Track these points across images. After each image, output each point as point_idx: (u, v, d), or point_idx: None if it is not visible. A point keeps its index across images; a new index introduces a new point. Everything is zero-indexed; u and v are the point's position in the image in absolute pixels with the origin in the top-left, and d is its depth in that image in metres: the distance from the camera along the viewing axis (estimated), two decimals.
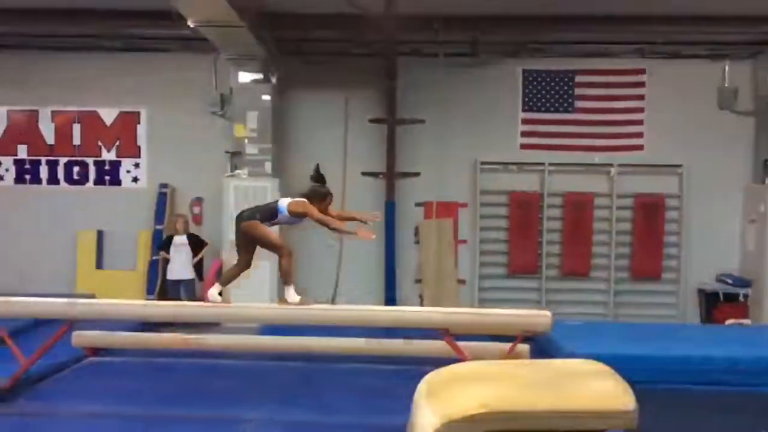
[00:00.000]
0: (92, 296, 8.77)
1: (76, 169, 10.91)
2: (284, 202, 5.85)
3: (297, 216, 5.80)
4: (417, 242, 10.37)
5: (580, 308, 10.24)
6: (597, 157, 10.52)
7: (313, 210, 5.73)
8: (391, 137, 10.44)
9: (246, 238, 5.90)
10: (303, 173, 10.51)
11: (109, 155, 10.90)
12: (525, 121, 10.64)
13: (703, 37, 9.97)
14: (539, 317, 6.06)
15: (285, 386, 6.39)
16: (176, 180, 10.75)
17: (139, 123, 10.87)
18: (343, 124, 10.58)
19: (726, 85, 10.40)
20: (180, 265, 9.58)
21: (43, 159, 10.92)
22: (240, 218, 5.93)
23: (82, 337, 6.99)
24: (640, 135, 10.56)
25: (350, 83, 10.44)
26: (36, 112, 10.90)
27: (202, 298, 8.62)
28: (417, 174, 10.64)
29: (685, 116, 10.41)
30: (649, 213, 10.42)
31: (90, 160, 10.91)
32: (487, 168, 10.58)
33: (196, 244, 9.74)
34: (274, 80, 10.10)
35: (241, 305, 6.41)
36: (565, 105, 10.58)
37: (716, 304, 9.74)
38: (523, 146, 10.64)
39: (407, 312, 6.53)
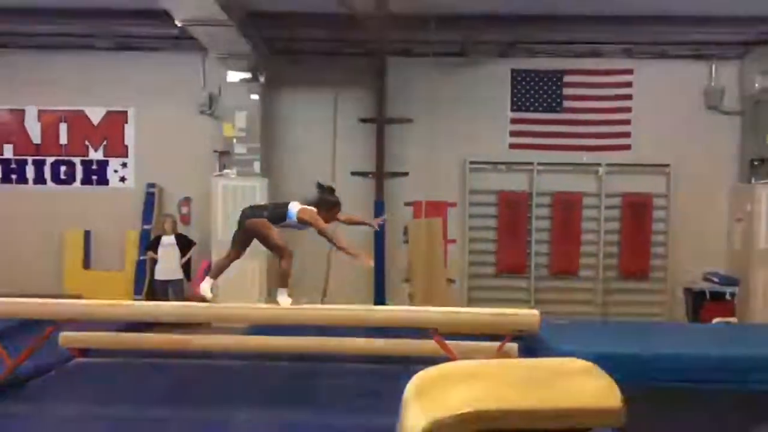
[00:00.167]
0: (79, 297, 8.71)
1: (62, 168, 10.84)
2: (294, 208, 5.76)
3: (304, 223, 5.77)
4: (406, 242, 10.37)
5: (569, 307, 10.28)
6: (585, 157, 10.58)
7: (321, 223, 5.68)
8: (381, 137, 10.46)
9: (247, 235, 5.86)
10: (292, 173, 10.63)
11: (96, 155, 10.83)
12: (514, 121, 10.68)
13: (690, 38, 10.06)
14: (527, 316, 6.07)
15: (274, 387, 6.37)
16: (164, 180, 10.70)
17: (126, 122, 10.81)
18: (332, 123, 10.58)
19: (713, 85, 10.50)
20: (168, 265, 9.54)
21: (30, 159, 10.84)
22: (246, 214, 5.86)
23: (69, 338, 6.95)
24: (627, 135, 10.62)
25: (339, 82, 10.44)
26: (22, 111, 10.82)
27: (191, 298, 8.58)
28: (406, 173, 10.66)
29: (672, 116, 10.49)
30: (637, 212, 10.49)
31: (77, 160, 10.84)
32: (476, 167, 10.61)
33: (184, 244, 9.70)
34: (262, 79, 10.08)
35: (230, 305, 6.38)
36: (554, 105, 10.63)
37: (703, 302, 9.81)
38: (512, 146, 10.68)
39: (396, 311, 6.52)
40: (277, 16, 9.51)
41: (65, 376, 6.70)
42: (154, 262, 9.68)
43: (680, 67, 10.48)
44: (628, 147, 10.62)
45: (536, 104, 10.64)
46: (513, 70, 10.62)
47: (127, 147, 10.83)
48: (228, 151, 10.05)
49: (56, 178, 10.84)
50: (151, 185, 10.66)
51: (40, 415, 5.48)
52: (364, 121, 10.55)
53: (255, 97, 10.04)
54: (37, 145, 10.83)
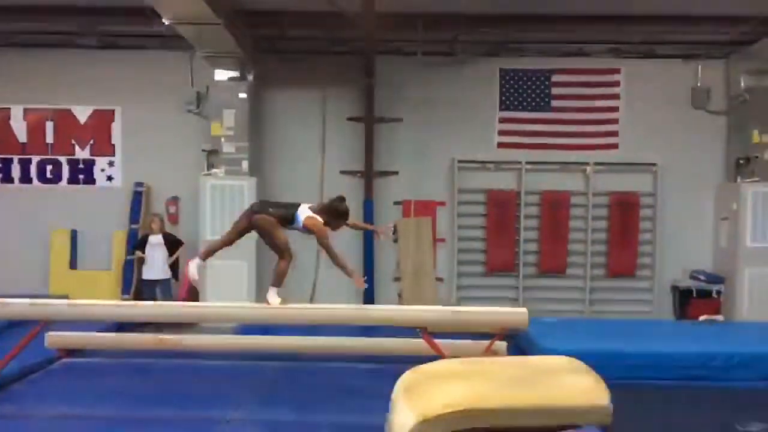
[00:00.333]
0: (66, 297, 8.64)
1: (49, 167, 10.74)
2: (302, 214, 5.77)
3: (308, 231, 5.79)
4: (395, 241, 10.37)
5: (557, 305, 10.33)
6: (573, 156, 10.63)
7: (324, 234, 5.72)
8: (369, 136, 10.45)
9: (251, 229, 5.89)
10: (280, 172, 10.60)
11: (83, 154, 10.75)
12: (502, 120, 10.71)
13: (677, 38, 10.12)
14: (515, 315, 6.10)
15: (263, 386, 6.36)
16: (152, 179, 10.64)
17: (113, 121, 10.73)
18: (321, 122, 10.55)
19: (699, 84, 10.57)
20: (155, 265, 9.48)
21: (15, 158, 10.73)
22: (256, 209, 5.86)
23: (55, 338, 6.90)
24: (615, 134, 10.68)
25: (328, 81, 10.42)
26: (8, 109, 10.70)
27: (179, 298, 8.54)
28: (395, 173, 10.66)
29: (659, 115, 10.56)
30: (624, 211, 10.54)
31: (63, 159, 10.75)
32: (465, 167, 10.62)
33: (172, 243, 9.65)
34: (250, 78, 10.04)
35: (218, 305, 6.36)
36: (542, 104, 10.67)
37: (689, 300, 9.89)
38: (501, 145, 10.71)
39: (386, 310, 6.52)
40: (265, 15, 9.47)
41: (51, 376, 6.65)
42: (142, 261, 9.63)
43: (667, 66, 10.55)
44: (615, 146, 10.67)
45: (524, 103, 10.68)
46: (501, 70, 10.64)
47: (114, 146, 10.75)
48: (216, 150, 10.00)
49: (42, 178, 10.75)
50: (139, 184, 10.59)
51: (26, 416, 5.44)
52: (352, 120, 10.54)
53: (243, 95, 10.00)
54: (23, 144, 10.73)
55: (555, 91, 10.64)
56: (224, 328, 7.71)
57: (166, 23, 8.20)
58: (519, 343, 7.15)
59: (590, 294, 10.61)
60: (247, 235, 6.04)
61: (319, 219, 5.75)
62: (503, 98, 10.68)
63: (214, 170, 10.00)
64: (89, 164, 10.76)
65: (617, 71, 10.64)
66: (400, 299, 10.06)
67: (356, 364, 6.94)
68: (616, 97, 10.65)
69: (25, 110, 10.70)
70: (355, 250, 10.19)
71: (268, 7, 9.31)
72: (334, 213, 5.87)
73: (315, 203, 6.12)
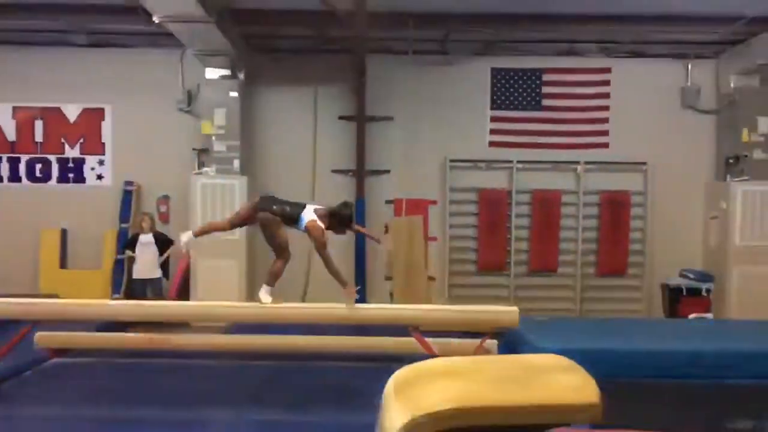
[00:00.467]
0: (56, 296, 8.60)
1: (38, 166, 10.68)
2: (307, 217, 5.78)
3: (308, 234, 5.81)
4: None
5: (548, 304, 10.36)
6: (564, 155, 10.66)
7: (323, 241, 5.75)
8: (361, 134, 10.44)
9: (246, 221, 5.93)
10: (272, 171, 10.58)
11: (72, 152, 10.69)
12: (494, 119, 10.72)
13: (668, 37, 10.17)
14: (505, 313, 6.11)
15: (254, 385, 6.35)
16: (142, 177, 10.59)
17: (103, 119, 10.68)
18: (312, 121, 10.54)
19: (689, 84, 10.63)
20: (146, 264, 9.43)
21: (4, 156, 10.66)
22: (263, 206, 5.85)
23: (45, 338, 6.85)
24: (605, 133, 10.72)
25: (319, 80, 10.41)
26: None
27: (169, 297, 8.52)
28: (387, 171, 10.67)
29: (649, 114, 10.61)
30: (615, 210, 10.59)
31: (53, 158, 10.68)
32: (457, 165, 10.64)
33: (163, 243, 9.60)
34: (241, 76, 10.02)
35: (209, 304, 6.34)
36: (533, 103, 10.69)
37: (680, 298, 9.93)
38: (492, 144, 10.73)
39: (377, 309, 6.52)
40: (256, 13, 9.44)
41: (41, 376, 6.62)
42: (133, 261, 9.58)
43: (657, 66, 10.60)
44: (606, 145, 10.71)
45: (516, 102, 10.70)
46: (493, 69, 10.66)
47: (104, 144, 10.70)
48: (207, 148, 9.98)
49: (32, 176, 10.68)
50: (129, 183, 10.55)
51: (16, 416, 5.41)
52: (344, 118, 10.53)
53: (234, 94, 9.97)
54: (12, 142, 10.66)
55: (546, 90, 10.67)
56: (216, 328, 7.69)
57: (157, 21, 8.16)
58: (510, 341, 7.16)
59: (581, 292, 10.65)
60: (239, 230, 6.10)
61: (322, 225, 5.77)
62: (494, 97, 10.70)
63: (204, 169, 9.97)
64: (79, 163, 10.70)
65: (608, 70, 10.68)
66: (392, 298, 10.06)
67: (347, 363, 6.93)
68: (606, 96, 10.68)
69: (14, 108, 10.63)
70: (347, 248, 10.19)
71: (259, 5, 9.28)
72: (338, 218, 5.91)
73: (323, 206, 6.05)
